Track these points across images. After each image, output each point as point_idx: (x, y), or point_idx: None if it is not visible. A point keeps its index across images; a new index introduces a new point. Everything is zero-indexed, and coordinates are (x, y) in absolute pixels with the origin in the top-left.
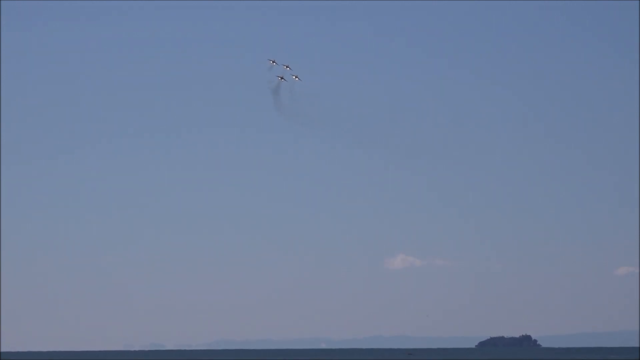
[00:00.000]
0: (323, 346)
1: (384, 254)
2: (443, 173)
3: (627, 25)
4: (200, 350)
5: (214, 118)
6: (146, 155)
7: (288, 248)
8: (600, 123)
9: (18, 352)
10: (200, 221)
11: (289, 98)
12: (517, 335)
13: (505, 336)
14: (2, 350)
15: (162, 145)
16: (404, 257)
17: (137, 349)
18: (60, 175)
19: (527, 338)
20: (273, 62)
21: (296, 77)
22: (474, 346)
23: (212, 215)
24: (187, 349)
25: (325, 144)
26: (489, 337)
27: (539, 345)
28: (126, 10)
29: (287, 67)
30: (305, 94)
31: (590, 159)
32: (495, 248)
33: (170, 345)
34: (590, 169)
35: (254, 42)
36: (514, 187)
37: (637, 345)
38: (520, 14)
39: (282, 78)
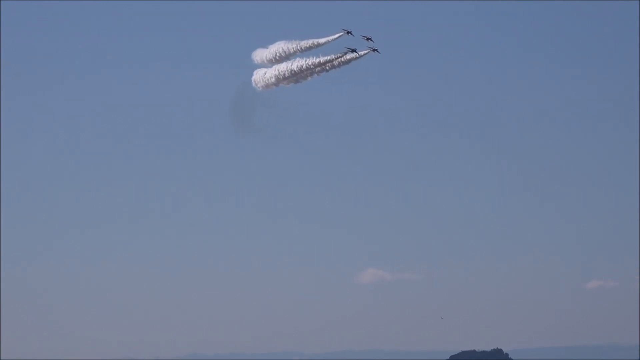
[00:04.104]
0: None
1: (354, 269)
2: (413, 187)
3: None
4: None
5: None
6: (139, 162)
7: (259, 263)
8: (583, 137)
9: None
10: (173, 235)
11: (265, 106)
12: (488, 348)
13: (477, 350)
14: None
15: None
16: (374, 271)
17: None
18: (55, 181)
19: (498, 351)
20: (348, 32)
21: (375, 49)
22: None
23: (185, 230)
24: None
25: (293, 158)
26: (460, 351)
27: (511, 358)
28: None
29: (368, 38)
30: (282, 102)
31: (563, 174)
32: (465, 262)
33: (140, 357)
34: (562, 183)
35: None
36: (484, 203)
37: (609, 359)
38: (512, 15)
39: (353, 50)
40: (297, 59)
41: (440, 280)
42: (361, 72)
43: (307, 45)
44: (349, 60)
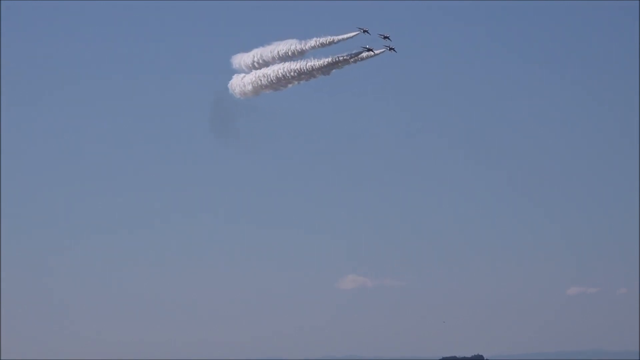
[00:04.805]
0: None
1: (335, 275)
2: (394, 193)
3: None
4: None
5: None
6: (122, 167)
7: (239, 268)
8: (574, 143)
9: None
10: (152, 241)
11: (246, 113)
12: (469, 355)
13: (458, 356)
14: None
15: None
16: (355, 277)
17: None
18: (50, 184)
19: (479, 358)
20: (364, 31)
21: (391, 48)
22: None
23: (164, 236)
24: None
25: (273, 164)
26: (441, 357)
27: None
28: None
29: (385, 37)
30: (263, 108)
31: (547, 180)
32: (447, 268)
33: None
34: (540, 189)
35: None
36: (464, 207)
37: None
38: (510, 15)
39: (369, 49)
40: (277, 64)
41: (421, 287)
42: (347, 76)
43: (285, 51)
44: (365, 59)
